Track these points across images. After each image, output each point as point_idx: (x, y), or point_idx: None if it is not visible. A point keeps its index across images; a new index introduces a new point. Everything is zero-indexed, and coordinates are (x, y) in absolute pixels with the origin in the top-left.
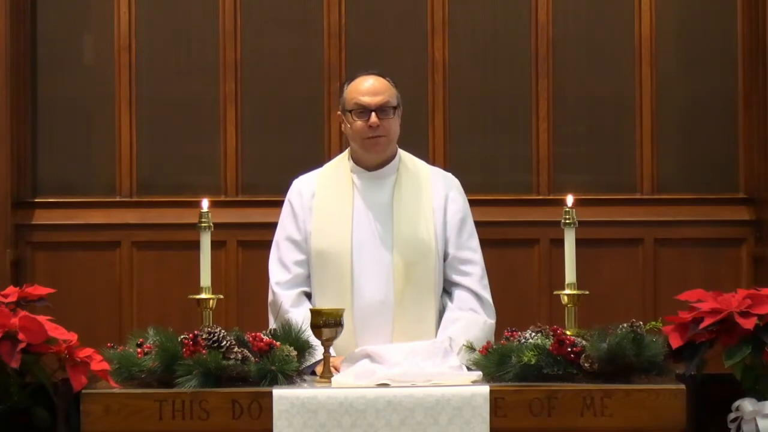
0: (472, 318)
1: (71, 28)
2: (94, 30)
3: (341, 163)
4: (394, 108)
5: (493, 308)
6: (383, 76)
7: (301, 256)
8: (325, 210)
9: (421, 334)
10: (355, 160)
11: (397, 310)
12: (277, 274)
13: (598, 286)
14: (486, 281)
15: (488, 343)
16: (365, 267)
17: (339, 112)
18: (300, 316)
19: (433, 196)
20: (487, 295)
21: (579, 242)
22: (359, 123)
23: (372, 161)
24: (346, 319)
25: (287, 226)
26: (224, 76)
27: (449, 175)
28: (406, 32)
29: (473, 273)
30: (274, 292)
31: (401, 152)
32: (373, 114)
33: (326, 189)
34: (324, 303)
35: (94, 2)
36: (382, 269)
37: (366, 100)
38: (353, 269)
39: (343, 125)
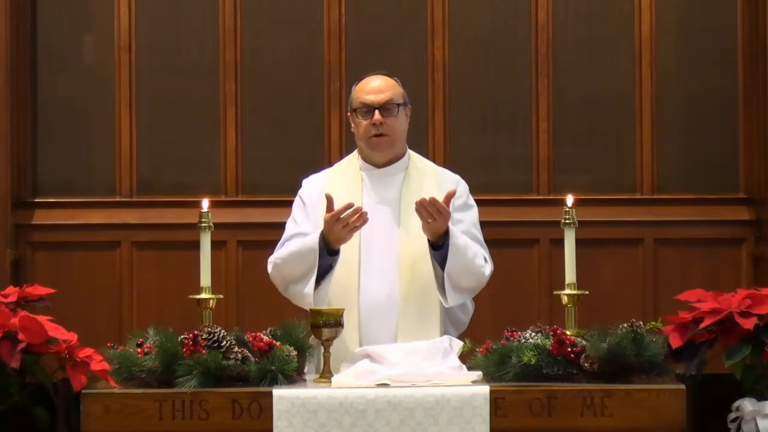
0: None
1: (71, 28)
2: (94, 30)
3: (350, 162)
4: (399, 105)
5: (488, 274)
6: (390, 76)
7: None
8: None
9: (426, 329)
10: (364, 158)
11: (403, 304)
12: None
13: (598, 286)
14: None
15: (488, 342)
16: (372, 262)
17: (348, 113)
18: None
19: (440, 193)
20: (488, 269)
21: (579, 242)
22: (364, 122)
23: (380, 159)
24: (352, 313)
25: (298, 219)
26: (224, 76)
27: (457, 176)
28: (406, 32)
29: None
30: (273, 261)
31: (411, 152)
32: (377, 112)
33: (335, 185)
34: (331, 297)
35: (94, 2)
36: (389, 264)
37: (370, 98)
38: (360, 264)
39: (352, 126)
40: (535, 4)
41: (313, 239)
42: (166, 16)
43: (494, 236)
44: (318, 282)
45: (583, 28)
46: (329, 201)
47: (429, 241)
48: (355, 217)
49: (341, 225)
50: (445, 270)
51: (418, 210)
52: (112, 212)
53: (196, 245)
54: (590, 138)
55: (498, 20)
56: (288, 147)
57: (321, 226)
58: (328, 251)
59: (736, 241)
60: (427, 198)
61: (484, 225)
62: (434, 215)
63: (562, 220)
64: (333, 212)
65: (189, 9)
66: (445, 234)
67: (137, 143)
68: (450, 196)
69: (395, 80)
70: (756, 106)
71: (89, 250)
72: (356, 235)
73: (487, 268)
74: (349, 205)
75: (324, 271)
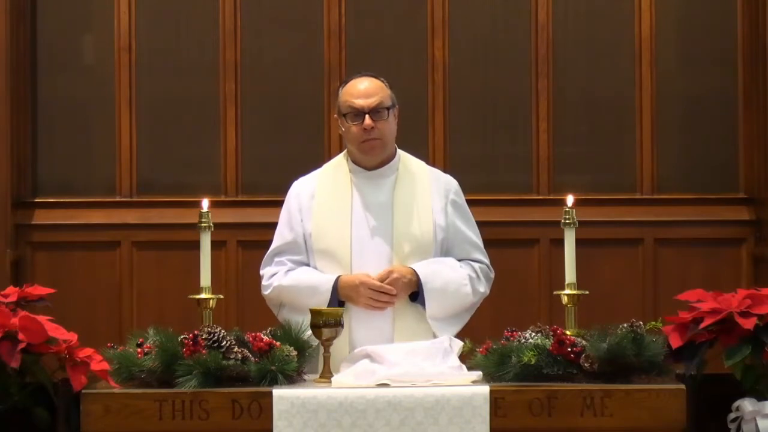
0: (453, 264)
1: (71, 28)
2: (94, 30)
3: (340, 163)
4: (388, 108)
5: (483, 290)
6: (376, 77)
7: (297, 257)
8: (324, 210)
9: (420, 333)
10: (354, 160)
11: (398, 308)
12: (271, 270)
13: (598, 286)
14: (490, 275)
15: (488, 342)
16: (365, 266)
17: (335, 115)
18: (302, 270)
19: (433, 196)
20: (483, 284)
21: (579, 242)
22: (354, 127)
23: (371, 163)
24: (346, 318)
25: (283, 233)
26: (224, 76)
27: (449, 177)
28: (406, 32)
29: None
30: (267, 284)
31: (401, 152)
32: (367, 117)
33: (325, 189)
34: None
35: (94, 2)
36: (382, 268)
37: (359, 103)
38: (353, 268)
39: (340, 128)
40: (535, 4)
41: (326, 283)
42: (166, 16)
43: (494, 236)
44: None
45: (583, 28)
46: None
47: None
48: (383, 300)
49: (368, 295)
50: (428, 315)
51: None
52: (112, 212)
53: (196, 245)
54: (590, 138)
55: (498, 20)
56: (288, 147)
57: (311, 233)
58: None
59: (736, 241)
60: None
61: (484, 225)
62: (391, 298)
63: (562, 220)
64: (373, 284)
65: (189, 9)
66: (418, 282)
67: (137, 143)
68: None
69: (382, 81)
70: (756, 106)
71: (89, 250)
72: (347, 238)
73: (480, 289)
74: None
75: None
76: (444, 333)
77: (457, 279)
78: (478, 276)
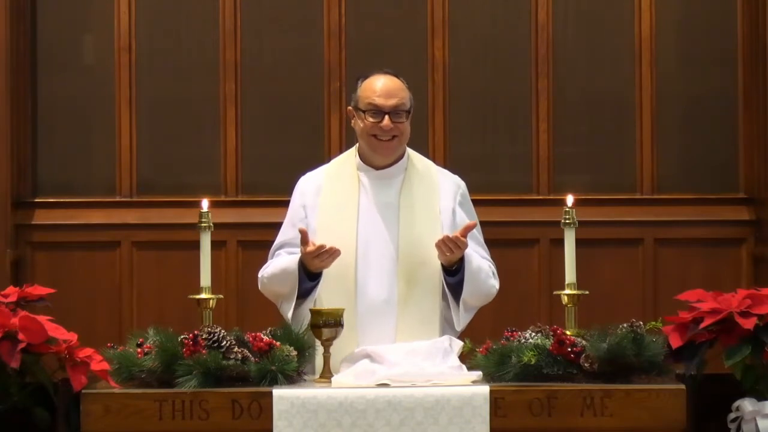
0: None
1: (71, 28)
2: (94, 30)
3: (348, 160)
4: (407, 111)
5: (498, 287)
6: (398, 77)
7: (294, 250)
8: (330, 207)
9: (424, 335)
10: (363, 158)
11: (401, 309)
12: (267, 263)
13: (598, 286)
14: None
15: (488, 342)
16: (370, 266)
17: (350, 107)
18: (277, 259)
19: (441, 197)
20: (498, 282)
21: (579, 242)
22: (371, 121)
23: (380, 161)
24: (349, 318)
25: (285, 229)
26: (224, 76)
27: (457, 177)
28: (406, 32)
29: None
30: (259, 278)
31: (409, 151)
32: (387, 117)
33: (332, 186)
34: (328, 301)
35: (94, 2)
36: (386, 268)
37: (380, 101)
38: (357, 267)
39: (353, 121)
40: (535, 4)
41: (293, 263)
42: (166, 16)
43: (494, 236)
44: (300, 301)
45: (583, 28)
46: (303, 235)
47: (443, 266)
48: (327, 254)
49: (314, 257)
50: (461, 298)
51: (437, 246)
52: (112, 212)
53: (196, 245)
54: (590, 138)
55: (498, 20)
56: (288, 147)
57: (316, 230)
58: (309, 275)
59: (736, 241)
60: (450, 235)
61: (484, 225)
62: (453, 249)
63: (562, 220)
64: (306, 251)
65: (189, 9)
66: (460, 258)
67: (137, 143)
68: (470, 228)
69: (402, 82)
70: (756, 106)
71: (89, 250)
72: (353, 237)
73: (497, 284)
74: (322, 247)
75: (306, 292)
76: (463, 321)
77: (486, 268)
78: (494, 273)
